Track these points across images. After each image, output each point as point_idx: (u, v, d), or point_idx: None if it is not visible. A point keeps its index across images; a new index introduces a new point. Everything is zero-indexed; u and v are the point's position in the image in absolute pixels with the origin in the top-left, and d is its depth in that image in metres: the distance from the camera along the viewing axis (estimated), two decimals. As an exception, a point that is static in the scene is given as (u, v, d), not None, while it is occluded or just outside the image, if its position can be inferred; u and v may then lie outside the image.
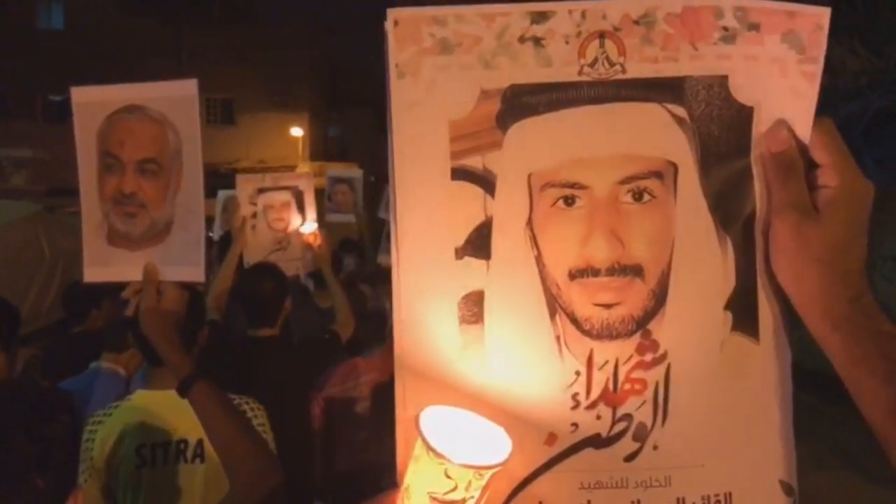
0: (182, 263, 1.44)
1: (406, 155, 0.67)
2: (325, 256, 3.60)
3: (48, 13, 25.76)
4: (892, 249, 7.39)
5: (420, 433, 0.61)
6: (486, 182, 0.68)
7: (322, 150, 27.77)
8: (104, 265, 1.47)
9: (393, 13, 0.66)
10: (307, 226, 3.83)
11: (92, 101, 1.47)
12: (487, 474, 0.60)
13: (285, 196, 3.94)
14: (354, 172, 6.39)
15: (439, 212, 0.67)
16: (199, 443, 1.92)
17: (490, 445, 0.64)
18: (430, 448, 0.60)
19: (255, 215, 3.83)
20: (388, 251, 0.71)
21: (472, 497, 0.60)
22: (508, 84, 0.67)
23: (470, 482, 0.60)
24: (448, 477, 0.60)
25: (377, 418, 2.72)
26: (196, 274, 1.43)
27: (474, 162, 0.67)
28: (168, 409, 1.91)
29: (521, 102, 0.67)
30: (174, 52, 25.29)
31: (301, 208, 3.93)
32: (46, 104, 24.65)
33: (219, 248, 3.87)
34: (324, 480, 3.12)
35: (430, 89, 0.67)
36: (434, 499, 0.60)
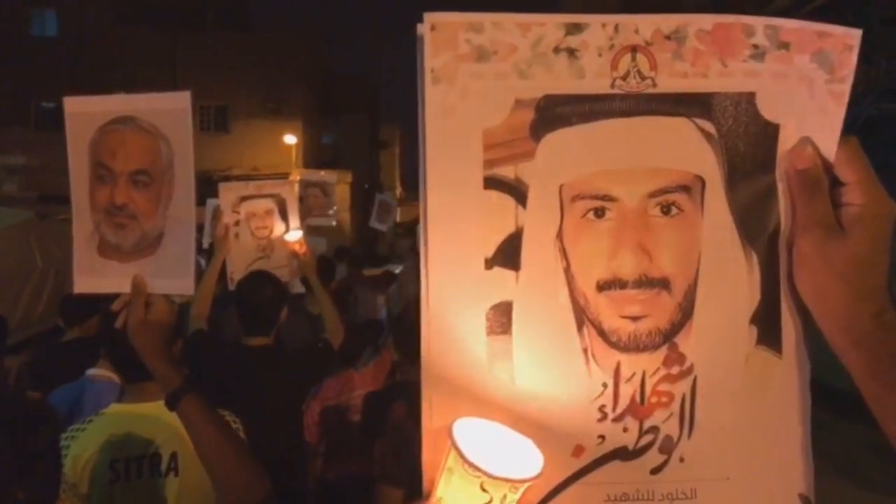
0: (172, 276, 1.43)
1: (438, 162, 0.67)
2: (311, 264, 3.58)
3: (42, 21, 25.74)
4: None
5: (455, 446, 0.61)
6: (517, 192, 0.68)
7: (315, 157, 27.76)
8: (94, 276, 1.46)
9: (430, 17, 0.65)
10: (291, 234, 3.81)
11: (84, 112, 1.46)
12: (522, 487, 0.60)
13: (268, 204, 3.92)
14: (328, 177, 6.47)
15: (470, 221, 0.67)
16: (173, 456, 1.90)
17: (520, 458, 0.64)
18: (466, 461, 0.60)
19: (238, 223, 3.82)
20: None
21: None
22: (542, 94, 0.67)
23: (505, 495, 0.60)
24: (484, 490, 0.59)
25: (370, 429, 2.72)
26: (186, 287, 1.42)
27: (507, 171, 0.67)
28: (142, 422, 1.90)
29: (554, 113, 0.67)
30: (168, 60, 25.30)
31: (284, 216, 3.91)
32: (39, 111, 24.60)
33: (207, 256, 3.85)
34: (317, 490, 3.12)
35: (464, 96, 0.66)
36: None
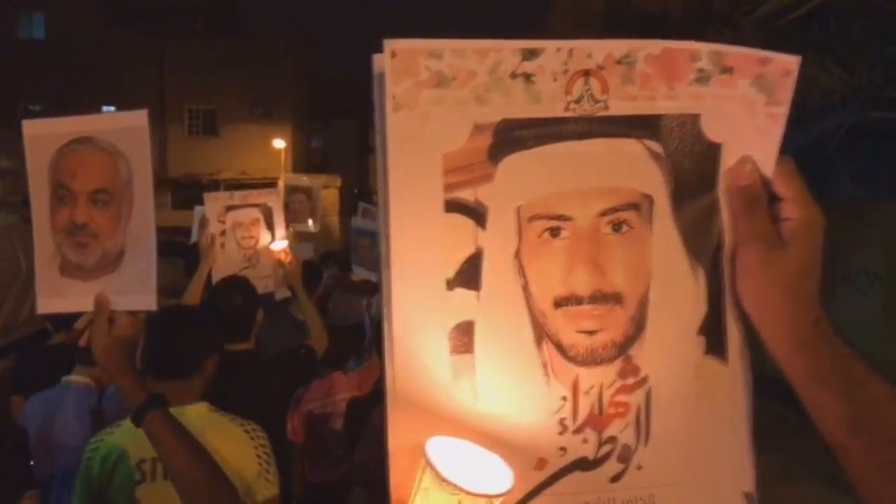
0: (134, 292, 1.45)
1: (400, 187, 0.68)
2: (296, 273, 3.59)
3: (29, 23, 25.62)
4: (865, 263, 7.48)
5: (430, 464, 0.63)
6: (477, 214, 0.70)
7: (305, 161, 27.71)
8: (57, 296, 1.48)
9: (390, 44, 0.67)
10: (277, 243, 3.81)
11: (43, 134, 1.48)
12: (497, 502, 0.63)
13: (254, 213, 3.94)
14: (313, 182, 6.48)
15: (432, 243, 0.69)
16: None
17: (489, 473, 0.66)
18: (443, 479, 0.62)
19: (223, 233, 3.83)
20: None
21: None
22: (500, 119, 0.69)
23: None
24: None
25: (351, 434, 2.74)
26: (148, 302, 1.45)
27: (467, 194, 0.69)
28: None
29: (511, 137, 0.69)
30: (156, 64, 25.20)
31: (270, 225, 3.93)
32: (26, 114, 24.41)
33: (187, 262, 3.84)
34: (302, 492, 3.12)
35: (424, 122, 0.68)
36: None
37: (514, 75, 0.69)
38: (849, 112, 6.47)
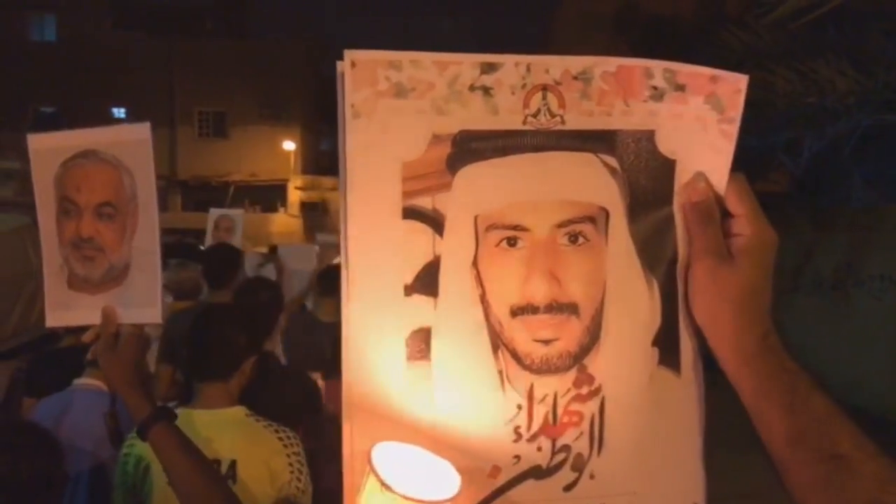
0: (139, 305, 1.46)
1: (358, 193, 0.69)
2: None
3: (41, 26, 25.76)
4: (880, 268, 7.42)
5: (373, 469, 0.64)
6: (435, 222, 0.71)
7: (314, 163, 27.76)
8: (65, 309, 1.49)
9: (351, 55, 0.68)
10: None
11: (48, 148, 1.50)
12: None
13: None
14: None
15: (390, 249, 0.70)
16: (232, 464, 1.91)
17: (439, 479, 0.66)
18: (384, 484, 0.62)
19: None
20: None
21: None
22: (458, 129, 0.70)
23: None
24: None
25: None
26: (153, 315, 1.46)
27: (424, 202, 0.70)
28: (206, 428, 1.91)
29: (469, 147, 0.70)
30: (166, 66, 25.30)
31: None
32: (37, 116, 24.58)
33: (205, 266, 3.89)
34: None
35: (383, 131, 0.69)
36: None
37: (472, 88, 0.70)
38: (864, 115, 6.41)
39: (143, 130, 1.47)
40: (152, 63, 24.68)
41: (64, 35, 25.07)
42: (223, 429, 1.90)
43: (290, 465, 1.95)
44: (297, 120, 26.06)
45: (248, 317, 2.35)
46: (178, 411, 1.88)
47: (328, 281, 3.96)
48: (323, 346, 3.31)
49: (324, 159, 28.74)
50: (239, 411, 2.00)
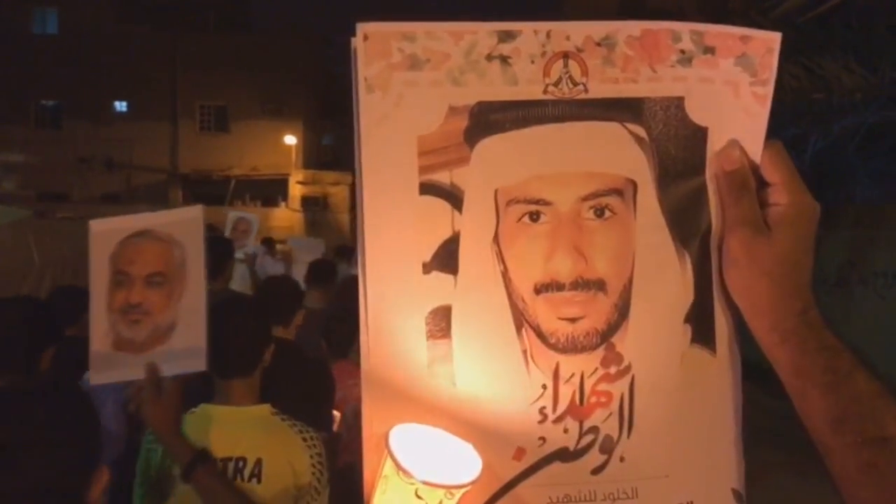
0: (185, 357, 1.61)
1: (374, 169, 0.67)
2: None
3: (43, 19, 25.73)
4: (884, 265, 7.40)
5: (390, 452, 0.62)
6: (453, 197, 0.68)
7: (315, 158, 27.73)
8: (111, 368, 1.64)
9: (363, 28, 0.66)
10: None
11: (107, 230, 1.69)
12: (458, 493, 0.61)
13: None
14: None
15: (407, 226, 0.68)
16: (258, 462, 1.90)
17: (460, 462, 0.64)
18: (400, 468, 0.60)
19: None
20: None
21: None
22: (476, 101, 0.68)
23: (441, 501, 0.61)
24: (419, 497, 0.60)
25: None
26: (198, 364, 1.61)
27: (442, 177, 0.68)
28: (231, 424, 1.92)
29: (487, 119, 0.68)
30: (168, 60, 25.27)
31: None
32: (39, 109, 24.56)
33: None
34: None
35: (398, 104, 0.67)
36: None
37: (489, 57, 0.67)
38: (870, 112, 6.39)
39: (195, 211, 1.68)
40: (154, 57, 24.64)
41: (66, 28, 25.03)
42: (249, 427, 1.91)
43: (313, 465, 1.95)
44: (298, 114, 26.00)
45: (266, 309, 2.39)
46: (202, 408, 1.96)
47: (320, 272, 4.49)
48: (312, 331, 3.41)
49: (325, 154, 28.72)
50: (265, 409, 1.98)
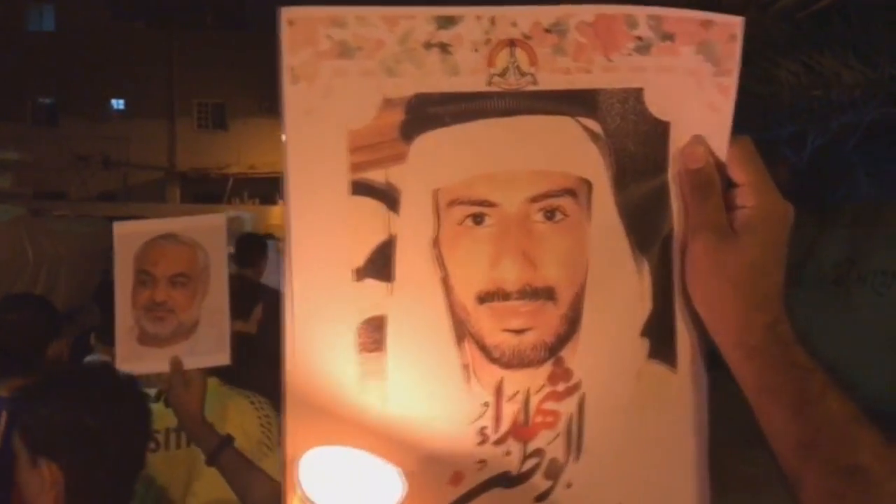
0: (210, 353, 1.75)
1: (301, 166, 0.62)
2: None
3: (39, 16, 25.64)
4: (882, 263, 7.39)
5: (297, 482, 0.57)
6: (389, 198, 0.62)
7: (313, 156, 27.66)
8: (135, 361, 1.74)
9: (287, 12, 0.61)
10: None
11: (131, 233, 1.80)
12: None
13: None
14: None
15: (337, 229, 0.62)
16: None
17: (383, 489, 0.59)
18: (306, 497, 0.56)
19: None
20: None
21: None
22: (413, 93, 0.62)
23: None
24: None
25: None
26: (222, 359, 1.76)
27: (376, 175, 0.62)
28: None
29: (426, 113, 0.62)
30: (165, 57, 25.22)
31: None
32: (36, 107, 24.51)
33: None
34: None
35: (327, 96, 0.61)
36: None
37: (428, 45, 0.61)
38: (869, 109, 6.37)
39: (219, 219, 1.84)
40: (151, 54, 24.57)
41: (63, 25, 24.96)
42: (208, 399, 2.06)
43: (262, 425, 2.10)
44: (296, 112, 25.92)
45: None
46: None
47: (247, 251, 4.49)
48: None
49: (323, 152, 28.66)
50: (214, 381, 2.10)
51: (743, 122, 0.69)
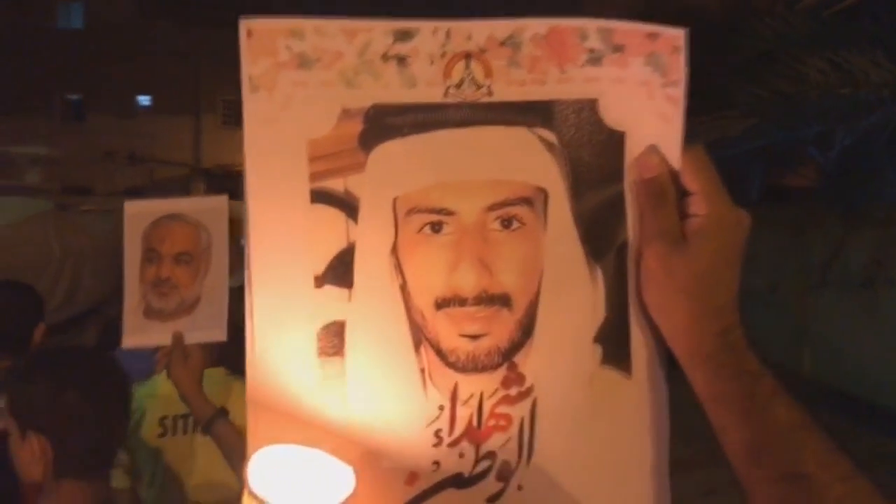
0: (209, 328, 1.83)
1: (261, 174, 0.63)
2: None
3: (67, 13, 25.94)
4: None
5: (245, 479, 0.58)
6: (348, 206, 0.64)
7: (336, 153, 27.73)
8: (140, 334, 1.86)
9: (246, 23, 0.62)
10: None
11: (140, 212, 1.90)
12: None
13: None
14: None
15: (297, 236, 0.63)
16: (222, 409, 2.15)
17: (335, 487, 0.60)
18: (250, 491, 0.57)
19: None
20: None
21: None
22: (371, 103, 0.63)
23: None
24: None
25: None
26: (220, 335, 1.84)
27: (335, 184, 0.64)
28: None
29: (384, 123, 0.64)
30: (191, 54, 25.41)
31: None
32: (64, 103, 24.83)
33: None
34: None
35: (286, 106, 0.63)
36: None
37: (385, 57, 0.63)
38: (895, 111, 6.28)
39: (221, 201, 1.91)
40: (177, 51, 24.79)
41: (91, 23, 25.25)
42: (210, 385, 2.12)
43: None
44: (320, 109, 26.02)
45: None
46: (162, 374, 2.21)
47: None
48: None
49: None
50: (220, 371, 2.21)
51: (767, 121, 0.67)
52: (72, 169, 20.02)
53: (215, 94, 25.32)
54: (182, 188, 23.99)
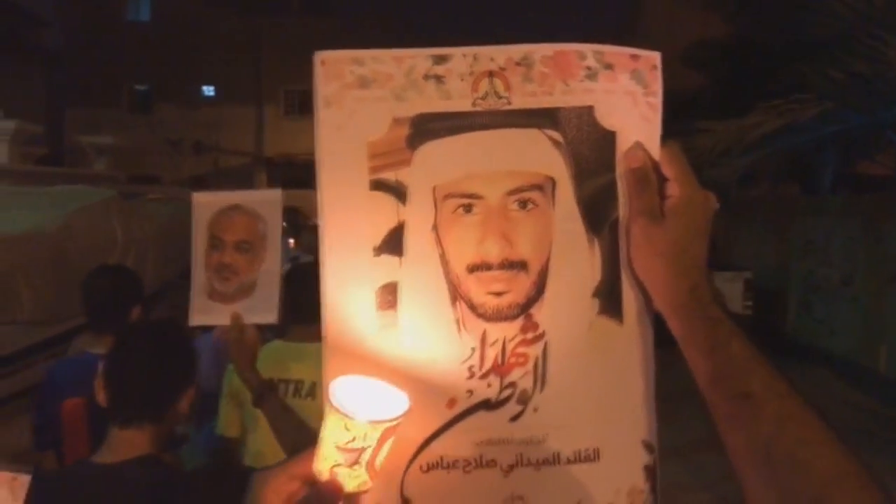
0: (263, 311, 2.01)
1: (331, 170, 0.81)
2: None
3: (136, 6, 26.58)
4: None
5: (328, 398, 0.74)
6: (398, 192, 0.82)
7: (396, 142, 27.79)
8: (205, 314, 2.06)
9: (320, 55, 0.82)
10: None
11: (207, 202, 2.10)
12: (380, 427, 0.73)
13: None
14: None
15: (359, 216, 0.81)
16: (313, 385, 2.43)
17: (393, 407, 0.76)
18: (331, 404, 0.73)
19: None
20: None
21: (370, 446, 0.73)
22: (415, 113, 0.81)
23: (366, 434, 0.72)
24: (347, 430, 0.72)
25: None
26: (272, 317, 2.02)
27: (388, 176, 0.81)
28: (294, 355, 2.50)
29: (426, 128, 0.81)
30: (253, 44, 25.74)
31: None
32: (132, 93, 25.46)
33: None
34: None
35: (351, 116, 0.81)
36: (338, 448, 0.73)
37: (426, 77, 0.81)
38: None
39: (276, 194, 2.10)
40: (240, 42, 25.17)
41: (158, 15, 25.83)
42: (307, 358, 2.43)
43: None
44: (380, 98, 26.09)
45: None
46: (277, 343, 2.65)
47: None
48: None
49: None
50: (319, 345, 2.25)
51: (842, 106, 0.65)
52: (139, 158, 20.53)
53: (277, 84, 25.64)
54: (245, 176, 24.35)
